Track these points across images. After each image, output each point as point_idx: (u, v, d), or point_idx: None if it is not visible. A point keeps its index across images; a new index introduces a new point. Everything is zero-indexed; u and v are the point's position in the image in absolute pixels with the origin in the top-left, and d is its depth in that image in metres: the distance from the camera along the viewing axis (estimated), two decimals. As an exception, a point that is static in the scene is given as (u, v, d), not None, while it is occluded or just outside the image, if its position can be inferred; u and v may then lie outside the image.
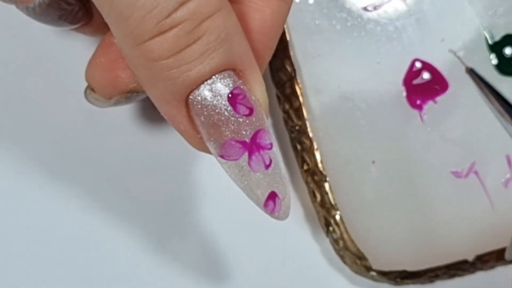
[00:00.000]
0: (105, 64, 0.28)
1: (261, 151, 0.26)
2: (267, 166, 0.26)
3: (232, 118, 0.25)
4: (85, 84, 0.29)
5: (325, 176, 0.35)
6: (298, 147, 0.35)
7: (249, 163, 0.26)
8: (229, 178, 0.32)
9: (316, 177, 0.35)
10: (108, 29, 0.28)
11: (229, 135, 0.25)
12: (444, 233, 0.36)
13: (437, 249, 0.36)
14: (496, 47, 0.36)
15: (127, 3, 0.23)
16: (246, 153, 0.26)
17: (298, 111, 0.35)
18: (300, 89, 0.35)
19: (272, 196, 0.26)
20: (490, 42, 0.36)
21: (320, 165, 0.35)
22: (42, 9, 0.28)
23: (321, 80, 0.35)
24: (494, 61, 0.36)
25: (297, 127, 0.35)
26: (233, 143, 0.25)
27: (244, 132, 0.25)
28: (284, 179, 0.27)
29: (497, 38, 0.36)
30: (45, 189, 0.35)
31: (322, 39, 0.36)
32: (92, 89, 0.29)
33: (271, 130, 0.26)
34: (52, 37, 0.35)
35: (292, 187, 0.36)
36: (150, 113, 0.36)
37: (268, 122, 0.26)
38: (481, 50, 0.36)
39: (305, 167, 0.35)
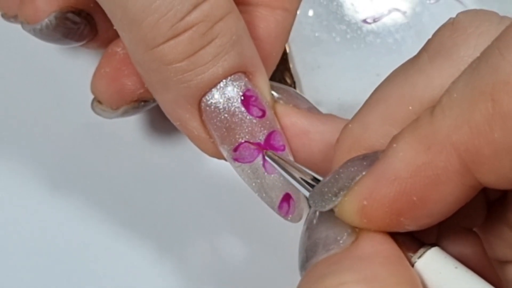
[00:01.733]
0: (110, 73, 0.28)
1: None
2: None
3: (246, 120, 0.25)
4: (87, 95, 0.29)
5: (325, 188, 0.35)
6: (298, 159, 0.35)
7: (263, 165, 0.26)
8: (229, 186, 0.32)
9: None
10: (112, 41, 0.28)
11: (244, 137, 0.25)
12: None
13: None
14: (495, 59, 0.37)
15: (141, 6, 0.23)
16: (261, 155, 0.26)
17: (298, 123, 0.35)
18: (299, 101, 0.35)
19: (286, 198, 0.26)
20: (489, 54, 0.36)
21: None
22: (49, 30, 0.28)
23: (321, 92, 0.36)
24: (494, 73, 0.36)
25: (296, 139, 0.35)
26: (248, 145, 0.25)
27: (258, 134, 0.25)
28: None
29: (496, 50, 0.37)
30: (47, 199, 0.35)
31: (321, 51, 0.36)
32: (99, 101, 0.29)
33: (283, 132, 0.26)
34: (55, 51, 0.36)
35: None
36: (150, 123, 0.36)
37: (279, 124, 0.26)
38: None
39: (305, 179, 0.35)
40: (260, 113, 0.25)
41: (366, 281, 0.19)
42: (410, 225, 0.20)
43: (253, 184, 0.26)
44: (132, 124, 0.36)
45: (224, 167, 0.35)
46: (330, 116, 0.26)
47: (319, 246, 0.21)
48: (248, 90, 0.25)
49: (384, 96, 0.22)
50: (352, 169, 0.21)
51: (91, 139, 0.35)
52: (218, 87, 0.25)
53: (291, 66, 0.35)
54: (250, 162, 0.26)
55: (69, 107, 0.36)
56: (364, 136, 0.22)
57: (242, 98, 0.25)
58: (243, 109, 0.25)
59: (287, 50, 0.35)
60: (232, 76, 0.25)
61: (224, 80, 0.25)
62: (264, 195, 0.26)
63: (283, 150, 0.26)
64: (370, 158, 0.21)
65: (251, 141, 0.25)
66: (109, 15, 0.24)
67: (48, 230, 0.35)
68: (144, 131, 0.36)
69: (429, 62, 0.21)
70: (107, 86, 0.28)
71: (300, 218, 0.27)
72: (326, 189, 0.21)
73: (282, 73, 0.35)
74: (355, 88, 0.36)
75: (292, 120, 0.26)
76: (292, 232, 0.36)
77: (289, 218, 0.27)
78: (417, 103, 0.21)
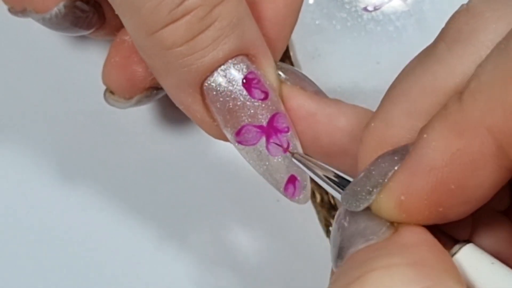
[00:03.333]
0: (120, 62, 0.28)
1: (279, 135, 0.26)
2: (285, 150, 0.26)
3: (248, 103, 0.25)
4: (96, 84, 0.29)
5: (325, 176, 0.35)
6: (298, 147, 0.35)
7: (267, 147, 0.26)
8: (230, 177, 0.32)
9: (316, 177, 0.35)
10: (120, 29, 0.28)
11: (246, 120, 0.25)
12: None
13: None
14: (496, 48, 0.36)
15: None
16: (264, 138, 0.26)
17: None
18: (300, 89, 0.35)
19: (292, 179, 0.26)
20: (490, 42, 0.36)
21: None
22: (58, 19, 0.28)
23: (321, 80, 0.35)
24: (494, 61, 0.36)
25: (297, 127, 0.35)
26: (250, 128, 0.25)
27: (260, 116, 0.25)
28: None
29: (497, 38, 0.36)
30: (48, 190, 0.35)
31: (322, 39, 0.36)
32: (111, 92, 0.29)
33: (287, 113, 0.26)
34: (64, 40, 0.36)
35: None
36: (156, 111, 0.36)
37: (283, 106, 0.26)
38: (481, 51, 0.36)
39: (305, 167, 0.35)
40: (262, 96, 0.25)
41: (416, 265, 0.19)
42: (449, 215, 0.20)
43: (258, 166, 0.26)
44: (138, 112, 0.36)
45: (228, 156, 0.35)
46: (336, 100, 0.26)
47: (357, 237, 0.21)
48: (250, 72, 0.25)
49: (404, 90, 0.22)
50: (384, 165, 0.21)
51: (97, 127, 0.35)
52: (219, 70, 0.25)
53: (291, 54, 0.35)
54: (253, 144, 0.26)
55: (77, 96, 0.36)
56: (389, 133, 0.22)
57: (244, 80, 0.25)
58: (244, 92, 0.25)
59: (288, 38, 0.35)
60: (234, 59, 0.25)
61: (225, 63, 0.25)
62: (269, 177, 0.26)
63: (287, 132, 0.26)
64: (401, 152, 0.21)
65: (254, 123, 0.25)
66: (110, 1, 0.24)
67: (51, 218, 0.35)
68: (150, 119, 0.36)
69: (447, 50, 0.21)
70: (118, 76, 0.28)
71: (307, 200, 0.27)
72: (359, 189, 0.21)
73: (282, 61, 0.35)
74: (356, 76, 0.36)
75: (298, 102, 0.26)
76: (297, 221, 0.36)
77: (295, 200, 0.27)
78: (440, 93, 0.21)
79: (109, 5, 0.26)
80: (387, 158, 0.21)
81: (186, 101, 0.26)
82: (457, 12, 0.21)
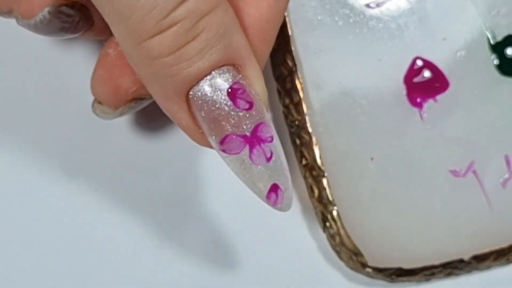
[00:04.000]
0: (104, 75, 0.29)
1: (262, 144, 0.26)
2: (268, 159, 0.26)
3: (232, 113, 0.26)
4: (86, 85, 0.29)
5: (323, 172, 0.35)
6: (297, 141, 0.35)
7: (250, 157, 0.26)
8: (228, 175, 0.32)
9: (314, 172, 0.35)
10: (109, 31, 0.28)
11: (230, 130, 0.26)
12: (441, 232, 0.36)
13: (434, 247, 0.36)
14: (498, 48, 0.36)
15: (127, 3, 0.24)
16: (247, 147, 0.26)
17: (298, 106, 0.35)
18: (300, 84, 0.35)
19: (274, 188, 0.27)
20: (492, 42, 0.36)
21: (318, 160, 0.35)
22: (43, 25, 0.28)
23: (322, 76, 0.35)
24: (496, 61, 0.36)
25: (296, 122, 0.35)
26: (234, 137, 0.26)
27: (244, 126, 0.26)
28: (286, 171, 0.27)
29: (499, 38, 0.36)
30: (46, 187, 0.35)
31: (324, 34, 0.36)
32: (99, 102, 0.29)
33: (271, 123, 0.27)
34: (54, 44, 0.36)
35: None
36: (152, 112, 0.36)
37: (268, 115, 0.27)
38: (483, 50, 0.36)
39: (304, 162, 0.35)
40: (247, 106, 0.26)
41: None
42: None
43: (241, 175, 0.26)
44: (134, 113, 0.36)
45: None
46: None
47: None
48: (235, 82, 0.25)
49: None
50: None
51: (91, 128, 0.35)
52: (204, 80, 0.25)
53: (293, 48, 0.35)
54: (237, 153, 0.26)
55: (68, 96, 0.36)
56: None
57: (229, 90, 0.25)
58: (229, 102, 0.25)
59: (289, 33, 0.35)
60: (219, 69, 0.25)
61: (211, 73, 0.25)
62: (252, 185, 0.27)
63: (271, 141, 0.26)
64: None
65: (238, 133, 0.26)
66: (98, 9, 0.25)
67: (48, 219, 0.35)
68: (146, 118, 0.36)
69: None
70: (103, 88, 0.29)
71: (289, 208, 0.27)
72: None
73: (283, 55, 0.35)
74: (357, 73, 0.36)
75: None
76: (293, 221, 0.36)
77: (278, 207, 0.27)
78: None
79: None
80: None
81: (172, 108, 0.26)
82: None
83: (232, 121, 0.26)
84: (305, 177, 0.35)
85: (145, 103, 0.30)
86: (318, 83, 0.35)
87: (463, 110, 0.36)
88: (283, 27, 0.34)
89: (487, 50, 0.36)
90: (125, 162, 0.36)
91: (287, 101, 0.35)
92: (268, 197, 0.27)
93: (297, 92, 0.35)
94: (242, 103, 0.26)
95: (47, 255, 0.35)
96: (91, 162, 0.35)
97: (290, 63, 0.35)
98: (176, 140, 0.36)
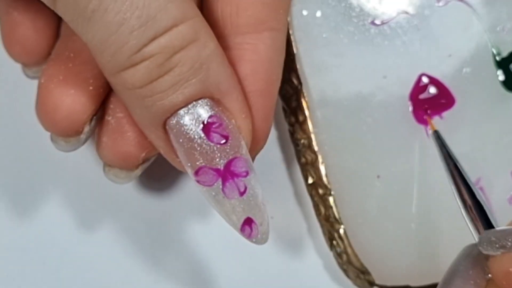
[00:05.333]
0: (109, 143, 0.29)
1: (235, 179, 0.26)
2: (242, 193, 0.26)
3: (205, 146, 0.26)
4: None
5: (330, 190, 0.35)
6: (303, 160, 0.35)
7: (223, 190, 0.26)
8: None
9: (320, 191, 0.35)
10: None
11: (203, 162, 0.26)
12: (449, 249, 0.35)
13: (441, 264, 0.35)
14: (503, 63, 0.36)
15: (100, 39, 0.24)
16: (220, 180, 0.26)
17: (304, 124, 0.35)
18: (306, 102, 0.35)
19: (248, 221, 0.27)
20: (497, 58, 0.36)
21: (324, 178, 0.35)
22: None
23: (328, 94, 0.35)
24: (501, 77, 0.36)
25: (302, 140, 0.35)
26: (207, 170, 0.26)
27: (217, 160, 0.26)
28: (262, 205, 0.27)
29: (505, 54, 0.36)
30: (38, 207, 0.35)
31: (329, 52, 0.36)
32: (110, 165, 0.30)
33: (248, 157, 0.27)
34: None
35: (296, 201, 0.36)
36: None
37: (245, 149, 0.27)
38: (488, 66, 0.36)
39: (310, 180, 0.35)
40: (222, 140, 0.26)
41: None
42: None
43: (215, 206, 0.27)
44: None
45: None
46: None
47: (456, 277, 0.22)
48: (211, 116, 0.26)
49: None
50: None
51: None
52: (180, 112, 0.25)
53: (298, 67, 0.35)
54: (210, 186, 0.26)
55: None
56: None
57: (204, 123, 0.26)
58: (202, 135, 0.26)
59: (294, 51, 0.35)
60: (196, 102, 0.25)
61: (186, 106, 0.25)
62: (225, 217, 0.27)
63: (245, 176, 0.26)
64: None
65: (210, 166, 0.26)
66: (78, 35, 0.25)
67: (38, 237, 0.35)
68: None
69: None
70: (113, 155, 0.29)
71: (265, 241, 0.27)
72: (493, 239, 0.22)
73: (289, 73, 0.35)
74: (362, 90, 0.36)
75: None
76: (299, 239, 0.36)
77: (252, 241, 0.27)
78: None
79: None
80: None
81: (150, 136, 0.27)
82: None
83: (205, 155, 0.26)
84: (311, 196, 0.35)
85: (153, 158, 0.30)
86: (324, 101, 0.35)
87: (469, 126, 0.36)
88: (288, 45, 0.34)
89: (492, 67, 0.36)
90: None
91: (292, 119, 0.35)
92: (242, 230, 0.27)
93: (303, 110, 0.35)
94: (217, 137, 0.26)
95: (36, 276, 0.34)
96: (82, 182, 0.35)
97: (295, 82, 0.35)
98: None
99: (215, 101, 0.26)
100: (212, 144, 0.26)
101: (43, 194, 0.35)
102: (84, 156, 0.34)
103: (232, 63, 0.27)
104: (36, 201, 0.35)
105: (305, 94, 0.35)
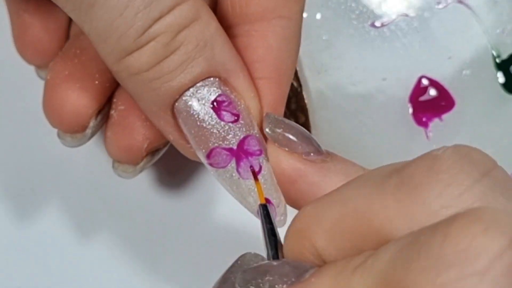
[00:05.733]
0: (112, 137, 0.29)
1: (250, 158, 0.26)
2: (257, 173, 0.26)
3: (217, 126, 0.25)
4: None
5: (330, 192, 0.35)
6: (303, 162, 0.35)
7: (237, 170, 0.26)
8: (226, 199, 0.32)
9: (320, 193, 0.35)
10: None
11: (216, 143, 0.25)
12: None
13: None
14: (503, 66, 0.36)
15: (104, 24, 0.24)
16: (234, 160, 0.26)
17: (304, 126, 0.35)
18: (305, 104, 0.35)
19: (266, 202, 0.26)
20: (497, 60, 0.36)
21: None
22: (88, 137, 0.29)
23: (327, 96, 0.36)
24: (501, 79, 0.36)
25: (302, 142, 0.35)
26: (220, 150, 0.25)
27: (230, 139, 0.25)
28: (277, 185, 0.26)
29: (505, 56, 0.36)
30: (41, 207, 0.35)
31: (328, 54, 0.36)
32: (118, 161, 0.29)
33: (261, 136, 0.26)
34: None
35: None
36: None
37: (257, 128, 0.26)
38: (488, 68, 0.36)
39: (310, 182, 0.35)
40: (232, 118, 0.26)
41: None
42: None
43: (230, 189, 0.26)
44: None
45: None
46: (325, 163, 0.26)
47: None
48: (220, 95, 0.25)
49: (344, 198, 0.21)
50: (276, 277, 0.21)
51: (84, 152, 0.35)
52: (188, 93, 0.25)
53: (298, 69, 0.35)
54: (223, 167, 0.26)
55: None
56: (312, 229, 0.22)
57: (214, 103, 0.25)
58: (213, 114, 0.25)
59: (294, 53, 0.35)
60: (204, 81, 0.25)
61: (194, 86, 0.25)
62: (242, 200, 0.26)
63: (259, 154, 0.26)
64: (299, 272, 0.21)
65: (224, 146, 0.25)
66: (79, 27, 0.25)
67: (42, 241, 0.35)
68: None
69: (393, 189, 0.20)
70: (116, 148, 0.29)
71: (284, 223, 0.26)
72: (248, 277, 0.21)
73: (288, 76, 0.35)
74: (362, 92, 0.36)
75: (281, 166, 0.26)
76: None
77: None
78: (365, 224, 0.20)
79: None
80: (287, 269, 0.21)
81: (159, 123, 0.26)
82: (428, 154, 0.21)
83: (217, 134, 0.25)
84: (311, 198, 0.35)
85: (161, 153, 0.30)
86: (323, 103, 0.35)
87: (469, 128, 0.36)
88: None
89: (492, 69, 0.36)
90: (116, 189, 0.35)
91: (292, 121, 0.35)
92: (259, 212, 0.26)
93: (302, 112, 0.35)
94: (227, 116, 0.25)
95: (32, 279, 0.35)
96: (81, 189, 0.35)
97: (295, 84, 0.35)
98: (167, 167, 0.35)
99: (222, 81, 0.26)
100: (223, 123, 0.25)
101: (45, 194, 0.35)
102: (88, 156, 0.34)
103: (239, 50, 0.27)
104: (39, 201, 0.35)
105: (304, 96, 0.35)
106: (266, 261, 0.23)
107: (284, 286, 0.20)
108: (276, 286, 0.21)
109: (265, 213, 0.25)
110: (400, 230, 0.19)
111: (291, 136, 0.26)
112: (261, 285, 0.21)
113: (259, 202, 0.25)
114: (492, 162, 0.21)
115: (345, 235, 0.21)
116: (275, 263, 0.22)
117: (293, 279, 0.21)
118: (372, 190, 0.21)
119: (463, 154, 0.20)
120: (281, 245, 0.24)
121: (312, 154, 0.26)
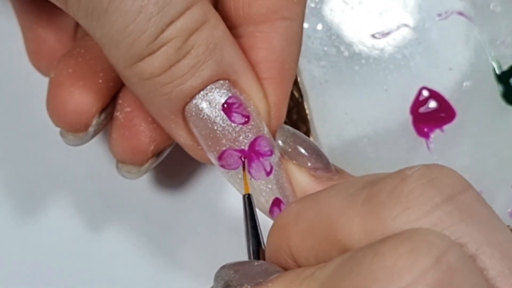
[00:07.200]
0: (117, 138, 0.29)
1: (261, 158, 0.26)
2: (268, 173, 0.26)
3: (228, 128, 0.26)
4: None
5: (331, 203, 0.35)
6: (304, 172, 0.35)
7: (249, 171, 0.26)
8: (228, 197, 0.32)
9: (321, 204, 0.35)
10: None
11: (227, 145, 0.26)
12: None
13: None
14: (503, 77, 0.37)
15: (117, 30, 0.24)
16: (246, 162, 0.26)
17: (305, 136, 0.35)
18: (306, 115, 0.35)
19: (277, 202, 0.26)
20: (497, 72, 0.36)
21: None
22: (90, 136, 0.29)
23: (328, 106, 0.36)
24: (502, 91, 0.36)
25: (303, 153, 0.35)
26: (231, 152, 0.26)
27: (241, 141, 0.26)
28: (288, 184, 0.26)
29: (505, 68, 0.36)
30: (46, 205, 0.35)
31: (330, 65, 0.36)
32: (122, 162, 0.29)
33: (271, 136, 0.26)
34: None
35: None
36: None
37: (266, 129, 0.26)
38: (489, 80, 0.36)
39: (311, 193, 0.35)
40: (243, 120, 0.26)
41: None
42: None
43: (242, 190, 0.26)
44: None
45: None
46: (331, 181, 0.26)
47: None
48: (230, 97, 0.26)
49: (322, 203, 0.22)
50: (243, 276, 0.21)
51: (89, 153, 0.35)
52: (198, 96, 0.25)
53: (298, 80, 0.35)
54: (235, 168, 0.26)
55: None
56: (289, 227, 0.22)
57: (224, 105, 0.25)
58: (224, 116, 0.26)
59: (295, 64, 0.35)
60: (214, 84, 0.25)
61: (205, 89, 0.25)
62: (254, 200, 0.26)
63: (270, 155, 0.26)
64: (265, 275, 0.21)
65: (235, 148, 0.26)
66: (90, 34, 0.25)
67: (48, 238, 0.35)
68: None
69: (361, 203, 0.20)
70: (122, 150, 0.29)
71: None
72: (221, 273, 0.22)
73: (289, 86, 0.35)
74: (363, 103, 0.36)
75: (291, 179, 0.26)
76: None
77: None
78: (332, 232, 0.21)
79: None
80: (255, 269, 0.22)
81: (169, 126, 0.26)
82: (400, 172, 0.21)
83: (229, 136, 0.26)
84: (312, 208, 0.35)
85: (165, 153, 0.30)
86: (324, 114, 0.35)
87: (470, 139, 0.36)
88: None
89: (493, 80, 0.36)
90: (118, 193, 0.35)
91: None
92: (271, 212, 0.26)
93: (303, 123, 0.35)
94: (238, 118, 0.26)
95: (34, 274, 0.34)
96: (83, 191, 0.35)
97: (296, 94, 0.35)
98: (169, 171, 0.35)
99: (231, 82, 0.26)
100: (234, 124, 0.26)
101: (48, 193, 0.35)
102: (93, 155, 0.34)
103: (243, 51, 0.27)
104: (41, 200, 0.35)
105: (305, 107, 0.35)
106: (242, 260, 0.23)
107: (249, 287, 0.21)
108: (243, 286, 0.21)
109: (249, 204, 0.25)
110: (359, 244, 0.20)
111: (302, 150, 0.26)
112: (229, 282, 0.21)
113: (270, 202, 0.26)
114: (462, 186, 0.21)
115: (316, 239, 0.21)
116: (246, 262, 0.22)
117: (260, 280, 0.21)
118: (344, 201, 0.21)
119: (431, 177, 0.20)
120: (262, 237, 0.24)
121: (319, 171, 0.26)
